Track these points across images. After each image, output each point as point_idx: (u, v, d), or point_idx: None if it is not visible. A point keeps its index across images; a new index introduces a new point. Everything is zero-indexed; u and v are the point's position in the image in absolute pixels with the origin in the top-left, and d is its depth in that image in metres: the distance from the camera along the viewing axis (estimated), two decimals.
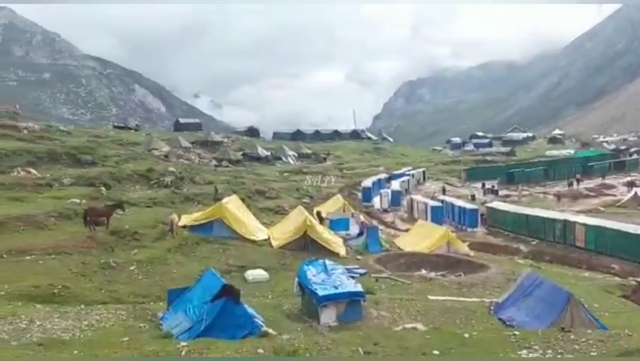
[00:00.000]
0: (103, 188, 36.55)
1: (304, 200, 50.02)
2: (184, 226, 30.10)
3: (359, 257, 29.32)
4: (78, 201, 31.10)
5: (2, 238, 23.49)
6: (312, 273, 17.58)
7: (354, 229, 36.79)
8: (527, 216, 43.32)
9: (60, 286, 18.38)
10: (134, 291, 19.81)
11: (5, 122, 50.09)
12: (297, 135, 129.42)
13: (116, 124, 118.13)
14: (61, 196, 32.23)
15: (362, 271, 25.09)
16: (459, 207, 48.37)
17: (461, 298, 20.08)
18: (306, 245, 29.18)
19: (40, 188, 33.95)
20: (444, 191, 65.55)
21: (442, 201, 51.37)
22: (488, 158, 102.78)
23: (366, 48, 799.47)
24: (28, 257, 21.68)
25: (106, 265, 22.08)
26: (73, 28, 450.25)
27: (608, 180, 72.08)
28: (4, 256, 21.50)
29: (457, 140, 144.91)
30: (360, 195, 60.41)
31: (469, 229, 45.10)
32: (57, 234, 25.22)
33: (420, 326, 14.25)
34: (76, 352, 11.21)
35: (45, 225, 26.29)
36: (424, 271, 26.15)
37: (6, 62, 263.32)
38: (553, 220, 40.16)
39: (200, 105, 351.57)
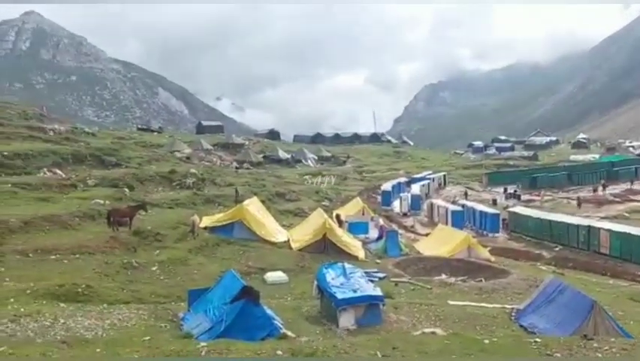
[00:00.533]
0: (126, 189, 37.17)
1: (323, 203, 50.09)
2: (205, 228, 30.38)
3: (378, 261, 29.21)
4: (102, 201, 31.68)
5: (29, 238, 24.03)
6: (331, 276, 17.55)
7: (373, 233, 36.67)
8: (550, 221, 42.67)
9: (84, 286, 18.61)
10: (156, 291, 19.98)
11: (33, 123, 51.23)
12: (317, 138, 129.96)
13: (139, 126, 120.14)
14: (85, 197, 32.86)
15: (381, 275, 24.97)
16: (480, 211, 47.91)
17: (482, 304, 19.86)
18: (325, 248, 29.13)
19: (66, 188, 34.65)
20: (466, 195, 64.95)
21: (463, 206, 50.92)
22: (510, 162, 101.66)
23: (387, 50, 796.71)
24: (53, 256, 22.12)
25: (128, 265, 22.33)
26: (99, 32, 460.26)
27: (635, 186, 70.58)
28: (30, 255, 21.95)
29: (478, 144, 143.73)
30: (379, 198, 60.23)
31: (491, 234, 44.65)
32: (81, 234, 25.72)
33: (439, 331, 14.15)
34: (98, 350, 11.38)
35: (70, 225, 26.82)
36: (444, 276, 25.94)
37: (34, 65, 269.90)
38: (577, 226, 39.48)
39: (222, 108, 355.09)
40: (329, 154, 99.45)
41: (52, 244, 23.26)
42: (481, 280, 25.18)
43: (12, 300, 16.06)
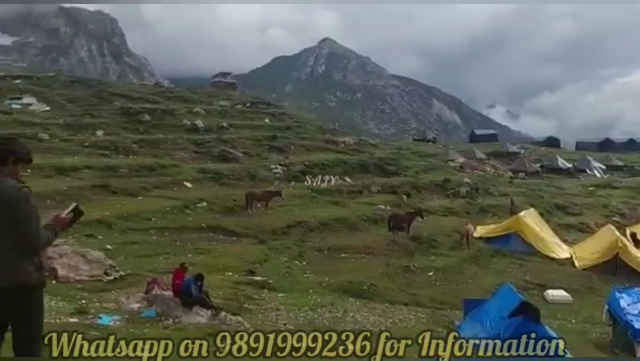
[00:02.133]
0: (404, 196, 39.58)
1: (614, 218, 44.13)
2: (479, 237, 30.27)
3: None
4: (383, 207, 34.47)
5: (324, 237, 27.79)
6: (626, 302, 15.59)
7: None
8: None
9: (369, 284, 20.46)
10: (432, 296, 20.66)
11: (327, 137, 58.72)
12: (606, 145, 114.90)
13: (415, 137, 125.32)
14: (369, 202, 36.31)
15: None
16: None
17: None
18: (617, 269, 26.22)
19: (353, 194, 38.83)
20: None
21: None
22: None
23: None
24: (343, 255, 25.03)
25: (406, 268, 23.54)
26: (381, 52, 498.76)
27: None
28: (325, 252, 25.29)
29: None
30: None
31: None
32: (366, 236, 28.45)
33: None
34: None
35: (357, 227, 30.03)
36: None
37: (328, 85, 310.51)
38: None
39: (495, 116, 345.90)
40: (620, 163, 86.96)
41: (343, 244, 26.36)
42: None
43: (311, 291, 18.70)
